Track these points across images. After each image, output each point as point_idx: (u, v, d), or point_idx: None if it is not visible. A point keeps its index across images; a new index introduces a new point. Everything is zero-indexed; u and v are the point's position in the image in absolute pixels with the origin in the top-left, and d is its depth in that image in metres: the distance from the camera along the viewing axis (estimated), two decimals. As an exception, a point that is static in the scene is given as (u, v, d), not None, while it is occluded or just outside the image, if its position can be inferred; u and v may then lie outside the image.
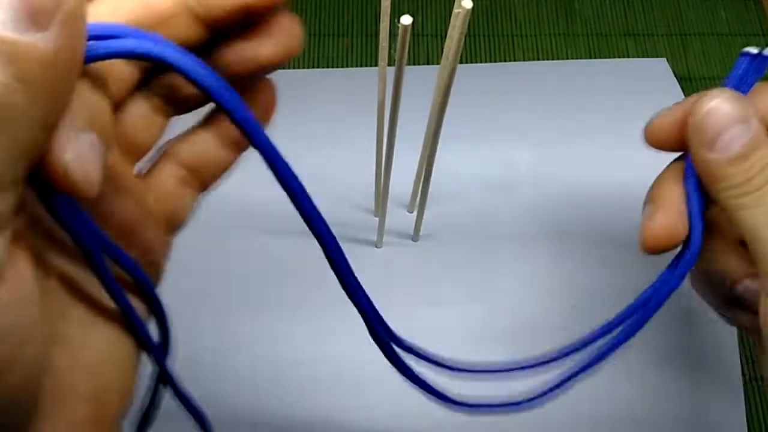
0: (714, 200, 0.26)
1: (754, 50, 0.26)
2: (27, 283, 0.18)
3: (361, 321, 0.26)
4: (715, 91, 0.25)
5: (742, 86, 0.27)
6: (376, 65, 0.28)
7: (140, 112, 0.23)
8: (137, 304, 0.23)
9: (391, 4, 0.27)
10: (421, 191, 0.40)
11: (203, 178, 0.25)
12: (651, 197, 0.28)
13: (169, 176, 0.24)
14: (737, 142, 0.25)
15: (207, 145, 0.24)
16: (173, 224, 0.25)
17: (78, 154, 0.17)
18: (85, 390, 0.22)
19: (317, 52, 0.54)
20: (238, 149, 0.25)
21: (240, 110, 0.20)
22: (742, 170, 0.25)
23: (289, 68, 0.53)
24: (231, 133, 0.24)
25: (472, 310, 0.43)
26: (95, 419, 0.22)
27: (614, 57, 0.55)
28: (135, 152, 0.24)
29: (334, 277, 0.24)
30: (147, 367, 0.25)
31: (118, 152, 0.23)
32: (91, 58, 0.18)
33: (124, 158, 0.23)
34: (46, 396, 0.20)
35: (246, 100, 0.21)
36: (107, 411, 0.22)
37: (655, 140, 0.28)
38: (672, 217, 0.27)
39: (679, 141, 0.27)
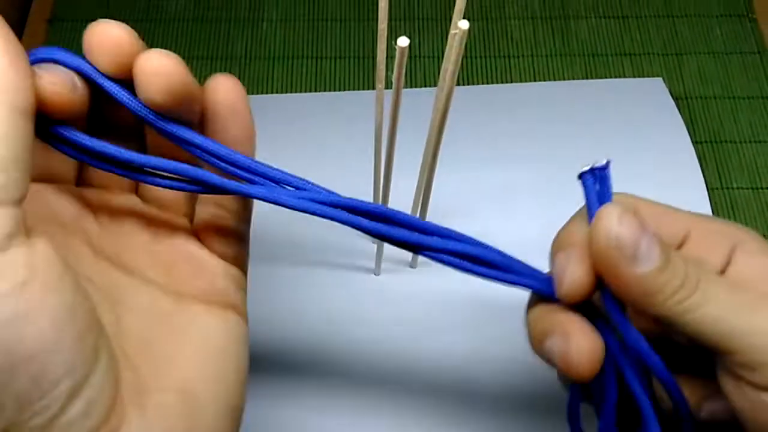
0: (655, 317, 0.24)
1: (587, 167, 0.26)
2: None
3: None
4: (605, 211, 0.24)
5: (606, 200, 0.26)
6: (373, 88, 0.28)
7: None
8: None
9: (388, 26, 0.27)
10: (420, 216, 0.40)
11: (230, 207, 0.28)
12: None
13: (204, 219, 0.28)
14: (654, 249, 0.24)
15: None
16: (232, 261, 0.28)
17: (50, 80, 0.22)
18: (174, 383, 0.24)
19: (314, 75, 0.54)
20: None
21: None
22: (673, 274, 0.24)
23: (285, 92, 0.53)
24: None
25: (471, 337, 0.42)
26: (188, 414, 0.24)
27: (610, 77, 0.55)
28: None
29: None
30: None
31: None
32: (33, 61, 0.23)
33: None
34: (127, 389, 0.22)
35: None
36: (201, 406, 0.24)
37: (579, 295, 0.25)
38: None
39: (594, 284, 0.25)
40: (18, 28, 0.55)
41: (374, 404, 0.40)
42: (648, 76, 0.55)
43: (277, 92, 0.53)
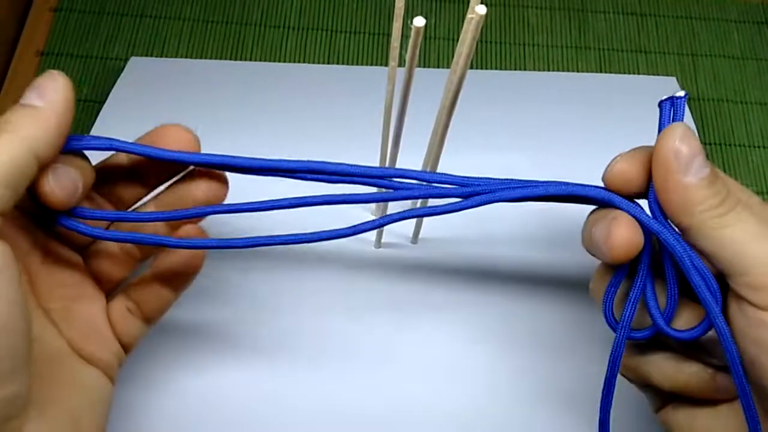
0: (687, 228, 0.28)
1: (666, 97, 0.29)
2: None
3: None
4: (675, 124, 0.28)
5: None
6: (386, 65, 0.28)
7: (111, 255, 0.32)
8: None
9: (405, 5, 0.27)
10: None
11: (145, 311, 0.32)
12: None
13: (119, 305, 0.32)
14: (705, 167, 0.27)
15: (149, 283, 0.32)
16: (123, 343, 0.32)
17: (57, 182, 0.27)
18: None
19: (328, 48, 0.54)
20: (175, 290, 0.33)
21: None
22: (716, 191, 0.27)
23: (297, 63, 0.53)
24: (169, 275, 0.32)
25: (468, 314, 0.43)
26: None
27: (624, 73, 0.55)
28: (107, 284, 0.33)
29: None
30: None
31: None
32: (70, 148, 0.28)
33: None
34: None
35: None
36: None
37: (620, 182, 0.30)
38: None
39: (639, 184, 0.29)
40: (21, 17, 0.54)
41: (369, 369, 0.41)
42: (662, 75, 0.54)
43: (289, 62, 0.53)
